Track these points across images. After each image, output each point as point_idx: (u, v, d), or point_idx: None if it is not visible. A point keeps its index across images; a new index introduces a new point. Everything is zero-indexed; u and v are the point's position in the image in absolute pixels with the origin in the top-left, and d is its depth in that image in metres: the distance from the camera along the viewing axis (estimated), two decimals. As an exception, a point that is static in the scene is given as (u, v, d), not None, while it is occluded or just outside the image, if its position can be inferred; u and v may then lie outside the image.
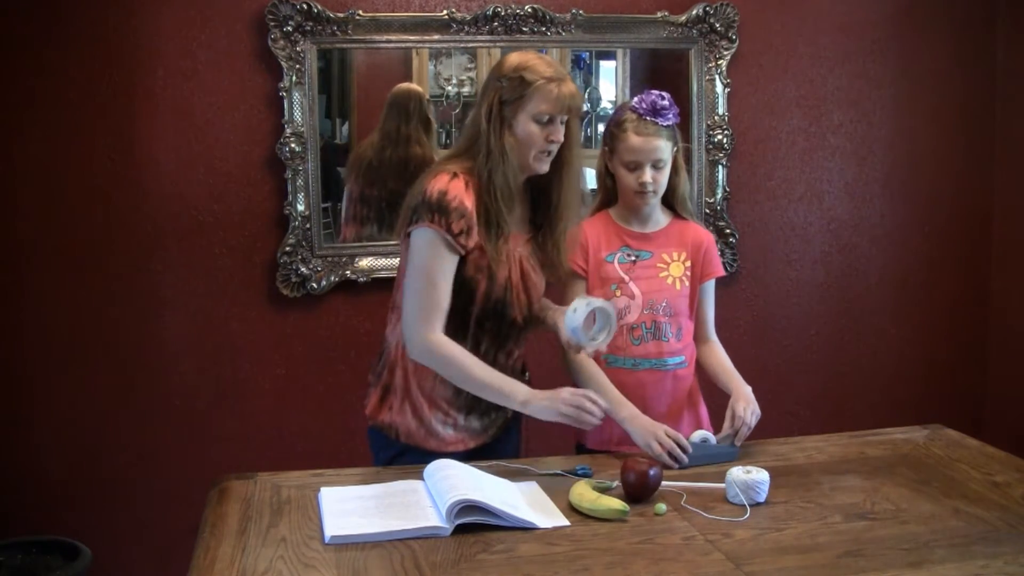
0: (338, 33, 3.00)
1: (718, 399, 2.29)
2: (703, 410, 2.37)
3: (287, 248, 3.04)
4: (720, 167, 3.34)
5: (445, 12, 3.07)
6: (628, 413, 2.13)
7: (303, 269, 3.06)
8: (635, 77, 3.31)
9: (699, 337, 2.36)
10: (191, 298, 3.03)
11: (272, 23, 2.94)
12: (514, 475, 1.99)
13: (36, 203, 2.91)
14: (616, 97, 3.32)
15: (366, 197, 3.14)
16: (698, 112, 3.30)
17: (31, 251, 2.92)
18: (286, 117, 2.99)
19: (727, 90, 3.31)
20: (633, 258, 2.28)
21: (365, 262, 3.12)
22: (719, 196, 3.35)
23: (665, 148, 2.20)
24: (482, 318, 2.10)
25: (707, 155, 3.33)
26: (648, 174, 2.20)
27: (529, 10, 3.11)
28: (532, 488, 1.93)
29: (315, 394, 3.14)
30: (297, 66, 2.97)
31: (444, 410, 2.12)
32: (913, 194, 3.55)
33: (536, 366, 2.33)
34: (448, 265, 2.03)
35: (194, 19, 2.94)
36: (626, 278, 2.27)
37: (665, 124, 2.20)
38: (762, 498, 1.87)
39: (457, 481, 1.82)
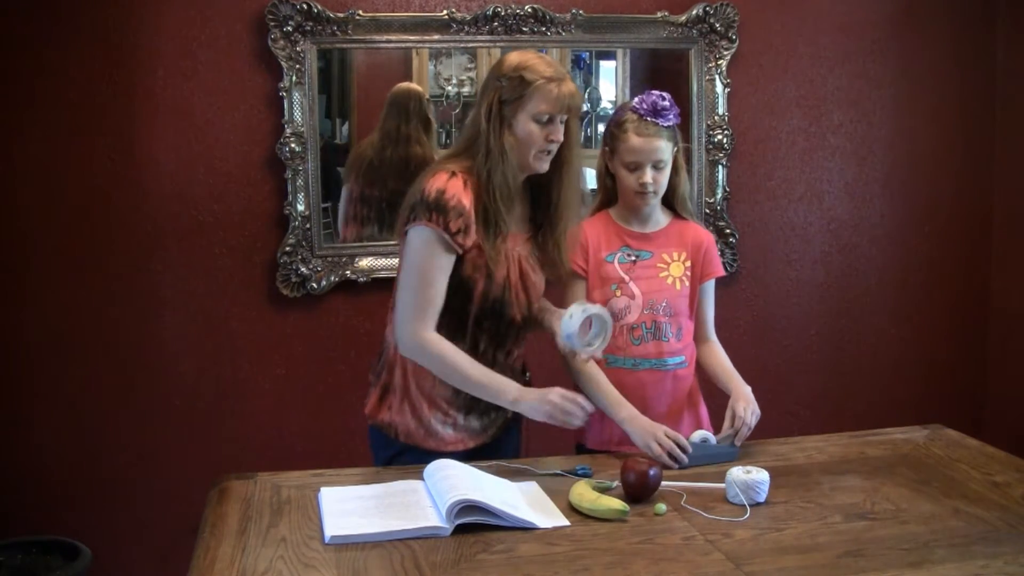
0: (338, 33, 3.00)
1: (718, 399, 2.29)
2: (703, 410, 2.37)
3: (287, 248, 3.04)
4: (720, 167, 3.34)
5: (445, 12, 3.07)
6: (627, 414, 2.13)
7: (303, 269, 3.06)
8: (635, 77, 3.31)
9: (699, 337, 2.35)
10: (191, 298, 3.03)
11: (272, 23, 2.94)
12: (514, 475, 1.99)
13: (36, 203, 2.91)
14: (616, 97, 3.31)
15: (366, 197, 3.14)
16: (698, 112, 3.30)
17: (31, 251, 2.92)
18: (286, 117, 2.99)
19: (727, 90, 3.30)
20: (633, 258, 2.27)
21: (365, 262, 3.12)
22: (719, 196, 3.35)
23: (665, 148, 2.20)
24: (480, 317, 2.10)
25: (707, 155, 3.33)
26: (648, 174, 2.20)
27: (529, 10, 3.11)
28: (532, 488, 1.93)
29: (315, 394, 3.14)
30: (297, 66, 2.97)
31: (443, 410, 2.12)
32: (913, 194, 3.55)
33: (536, 366, 2.33)
34: (444, 264, 2.03)
35: (194, 19, 2.94)
36: (626, 278, 2.26)
37: (666, 124, 2.20)
38: (762, 498, 1.87)
39: (457, 481, 1.82)
